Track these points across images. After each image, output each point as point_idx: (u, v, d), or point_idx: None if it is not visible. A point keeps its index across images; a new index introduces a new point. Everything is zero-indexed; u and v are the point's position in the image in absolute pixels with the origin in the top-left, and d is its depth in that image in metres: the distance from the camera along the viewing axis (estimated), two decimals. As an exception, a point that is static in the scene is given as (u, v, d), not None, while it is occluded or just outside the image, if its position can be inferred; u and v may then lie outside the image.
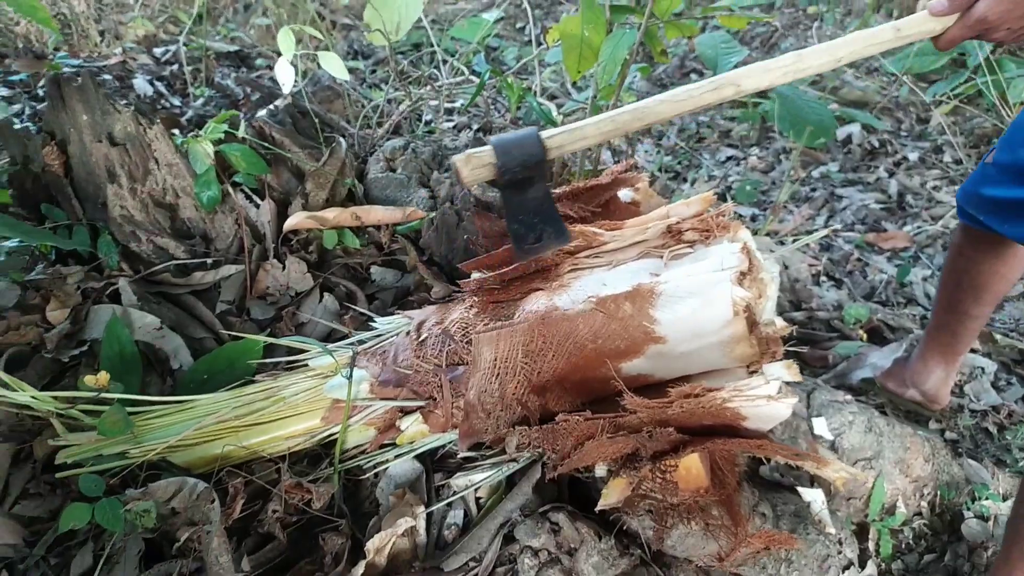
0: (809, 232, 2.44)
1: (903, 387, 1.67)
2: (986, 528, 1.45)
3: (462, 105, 2.47)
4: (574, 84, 2.84)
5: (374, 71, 3.44)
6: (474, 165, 0.96)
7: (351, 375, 1.10)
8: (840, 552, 1.29)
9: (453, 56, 3.54)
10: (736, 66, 1.74)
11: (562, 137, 0.98)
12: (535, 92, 2.12)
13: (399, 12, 1.76)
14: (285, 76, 1.54)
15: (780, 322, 1.22)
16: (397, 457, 1.17)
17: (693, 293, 1.07)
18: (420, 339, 1.19)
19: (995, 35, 0.95)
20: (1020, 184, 1.15)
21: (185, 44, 2.88)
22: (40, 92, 2.52)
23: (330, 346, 1.22)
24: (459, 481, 1.16)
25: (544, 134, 0.97)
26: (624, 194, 1.37)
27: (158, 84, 2.65)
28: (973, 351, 1.95)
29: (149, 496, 1.04)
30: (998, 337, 1.97)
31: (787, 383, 1.08)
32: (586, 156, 1.89)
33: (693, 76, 3.67)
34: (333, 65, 1.51)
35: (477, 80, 2.18)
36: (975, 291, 1.40)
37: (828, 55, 1.01)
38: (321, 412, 1.15)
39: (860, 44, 1.01)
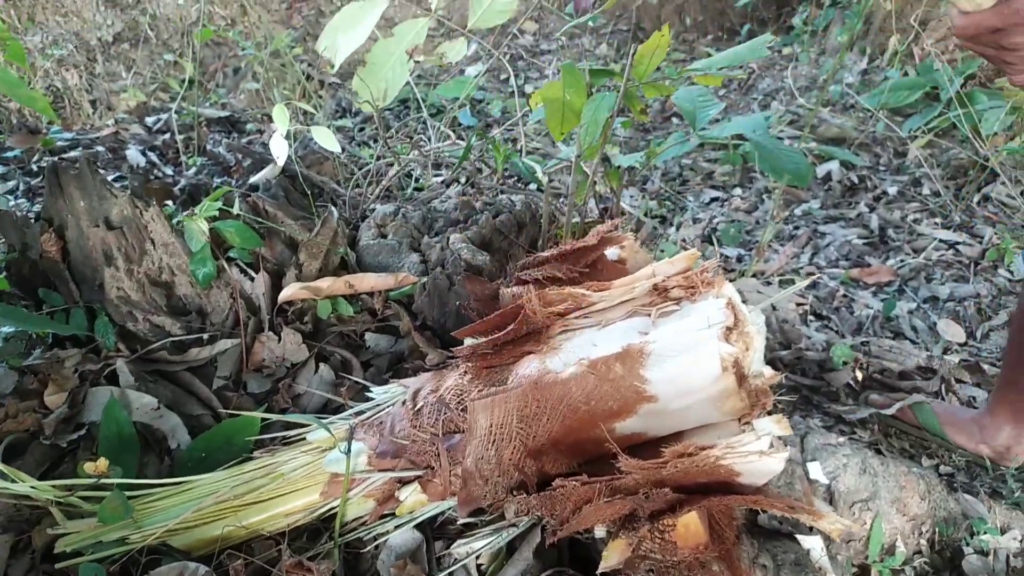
0: (795, 270, 2.48)
1: (972, 441, 1.66)
2: (986, 563, 1.46)
3: (450, 165, 2.52)
4: (554, 144, 2.91)
5: (362, 129, 3.51)
6: None
7: (349, 450, 1.11)
8: (843, 599, 1.30)
9: (440, 112, 3.62)
10: (714, 118, 1.80)
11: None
12: (521, 148, 2.18)
13: (386, 80, 1.81)
14: (279, 150, 1.58)
15: (768, 371, 1.24)
16: (397, 528, 1.18)
17: (682, 351, 1.09)
18: (416, 408, 1.21)
19: (1012, 53, 0.90)
20: None
21: (176, 112, 2.94)
22: (34, 167, 2.57)
23: (328, 419, 1.23)
24: (460, 549, 1.17)
25: None
26: (611, 252, 1.40)
27: (151, 154, 2.70)
28: (961, 382, 1.97)
29: (150, 583, 1.04)
30: (985, 367, 2.00)
31: (786, 436, 1.11)
32: (574, 209, 1.93)
33: (675, 120, 3.75)
34: (325, 138, 1.55)
35: (463, 139, 2.23)
36: None
37: None
38: (320, 487, 1.16)
39: None
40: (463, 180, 2.64)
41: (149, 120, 3.20)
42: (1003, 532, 1.52)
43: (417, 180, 2.49)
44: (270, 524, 1.18)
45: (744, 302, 1.89)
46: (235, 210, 1.47)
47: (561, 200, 2.67)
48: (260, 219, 1.54)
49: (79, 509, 1.14)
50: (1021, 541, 1.53)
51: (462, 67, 4.18)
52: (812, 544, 1.30)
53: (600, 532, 1.13)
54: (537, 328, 1.22)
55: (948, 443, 1.72)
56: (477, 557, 1.17)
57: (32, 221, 1.37)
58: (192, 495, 1.18)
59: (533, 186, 2.59)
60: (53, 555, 1.11)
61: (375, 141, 3.27)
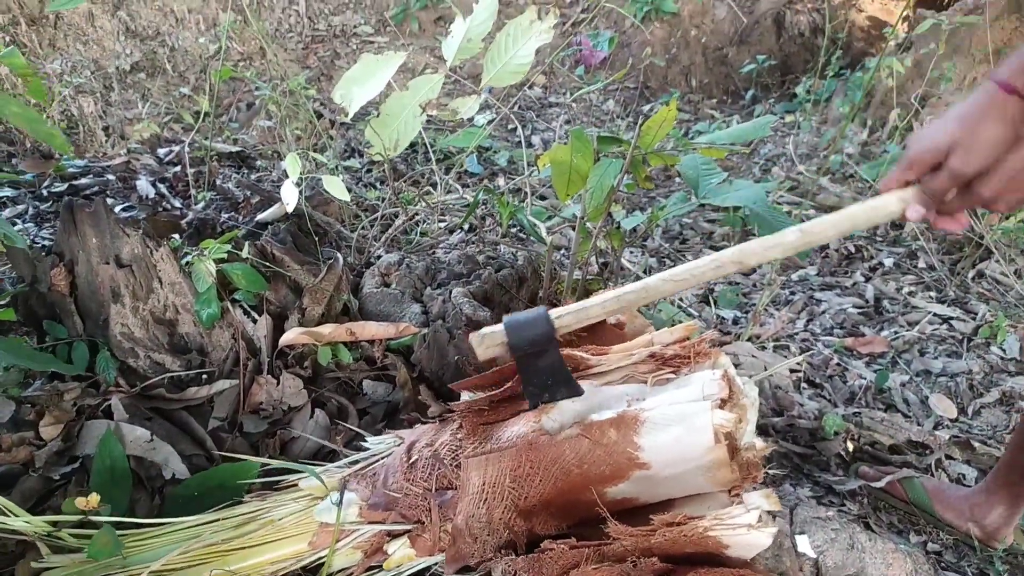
0: (791, 336, 2.50)
1: (962, 519, 1.66)
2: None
3: (455, 212, 2.56)
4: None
5: (369, 171, 3.57)
6: (488, 344, 1.05)
7: (341, 501, 1.12)
8: (828, 677, 1.29)
9: (448, 157, 3.68)
10: (716, 185, 1.85)
11: (569, 317, 1.07)
12: (527, 203, 2.22)
13: (398, 131, 1.86)
14: (290, 197, 1.62)
15: (760, 443, 1.26)
16: (384, 582, 1.18)
17: (676, 421, 1.11)
18: (410, 461, 1.22)
19: (992, 207, 0.93)
20: None
21: (189, 145, 3.00)
22: (45, 192, 2.60)
23: (322, 467, 1.24)
24: (446, 606, 1.17)
25: (553, 313, 1.06)
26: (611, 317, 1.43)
27: (160, 186, 2.74)
28: (951, 458, 1.98)
29: (135, 627, 1.03)
30: (976, 444, 2.01)
31: (774, 511, 1.12)
32: (576, 266, 1.96)
33: (677, 179, 3.82)
34: (335, 187, 1.59)
35: (469, 186, 2.28)
36: None
37: (833, 230, 1.02)
38: (309, 536, 1.16)
39: (863, 219, 1.02)
40: (466, 228, 2.68)
41: (161, 151, 3.25)
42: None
43: (420, 224, 2.53)
44: (256, 571, 1.17)
45: (738, 366, 1.92)
46: (244, 253, 1.50)
47: (562, 253, 2.71)
48: (267, 263, 1.57)
49: (66, 543, 1.14)
50: (1007, 625, 1.53)
51: (471, 116, 4.27)
52: (798, 620, 1.30)
53: (587, 597, 1.13)
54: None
55: (937, 520, 1.72)
56: (462, 616, 1.17)
57: (43, 254, 1.40)
58: (181, 536, 1.18)
59: (535, 239, 2.63)
60: (36, 589, 1.10)
61: (382, 183, 3.32)
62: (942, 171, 0.93)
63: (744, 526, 1.02)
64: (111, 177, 2.77)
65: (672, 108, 1.43)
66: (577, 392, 1.11)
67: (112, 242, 1.35)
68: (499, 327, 1.05)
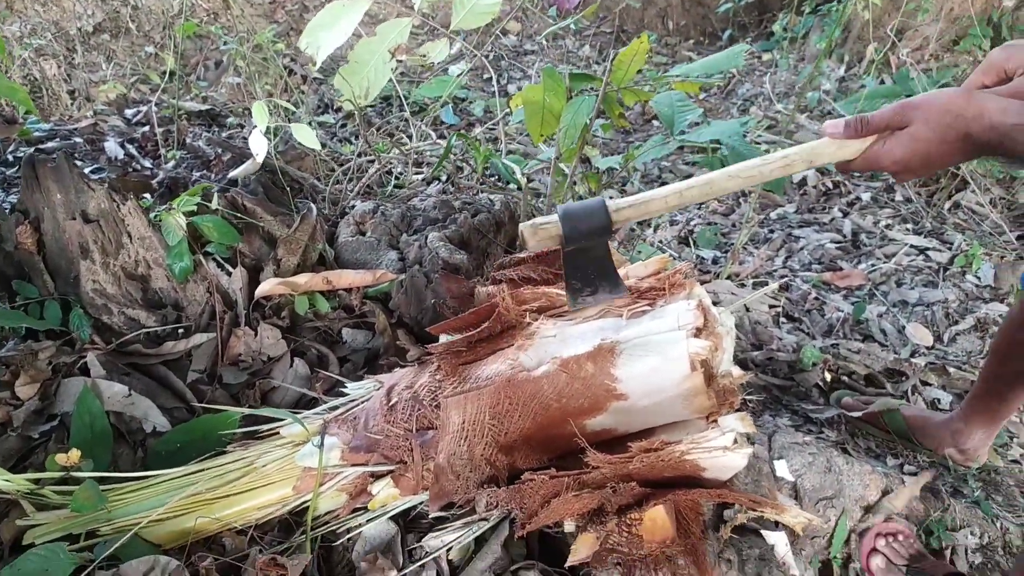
0: (769, 273, 2.52)
1: (941, 446, 1.70)
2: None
3: (432, 164, 2.53)
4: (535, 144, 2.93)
5: (344, 125, 3.51)
6: (541, 236, 1.01)
7: (322, 444, 1.12)
8: (805, 594, 1.33)
9: (423, 110, 3.63)
10: (691, 123, 1.83)
11: (630, 210, 1.02)
12: (502, 148, 2.20)
13: (368, 79, 1.82)
14: (259, 147, 1.59)
15: (737, 371, 1.27)
16: (369, 521, 1.19)
17: (652, 351, 1.12)
18: (390, 404, 1.23)
19: (897, 176, 0.99)
20: None
21: (156, 105, 2.93)
22: (10, 157, 2.54)
23: (302, 414, 1.24)
24: (431, 542, 1.18)
25: (611, 205, 1.01)
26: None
27: (129, 147, 2.68)
28: (927, 384, 2.02)
29: (121, 577, 1.04)
30: (951, 370, 2.04)
31: (749, 433, 1.14)
32: (552, 207, 1.95)
33: (655, 122, 3.79)
34: (305, 136, 1.56)
35: (445, 138, 2.25)
36: None
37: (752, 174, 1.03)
38: (293, 481, 1.17)
39: (780, 166, 1.03)
40: (444, 179, 2.65)
41: (128, 112, 3.17)
42: (959, 529, 1.56)
43: (398, 178, 2.50)
44: (242, 518, 1.19)
45: (717, 304, 1.93)
46: (213, 205, 1.47)
47: (540, 200, 2.69)
48: (238, 214, 1.55)
49: (49, 501, 1.14)
50: (980, 537, 1.58)
51: (445, 66, 4.19)
52: (776, 539, 1.34)
53: (569, 526, 1.15)
54: (511, 326, 1.24)
55: (914, 445, 1.76)
56: (448, 550, 1.19)
57: (7, 213, 1.37)
58: (165, 488, 1.19)
59: (513, 186, 2.61)
60: (21, 547, 1.10)
61: (357, 138, 3.27)
62: None
63: (719, 448, 1.04)
64: (78, 140, 2.71)
65: (644, 41, 1.41)
66: (621, 290, 1.07)
67: (77, 197, 1.33)
68: (553, 217, 1.00)
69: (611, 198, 1.04)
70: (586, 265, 1.04)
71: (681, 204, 1.04)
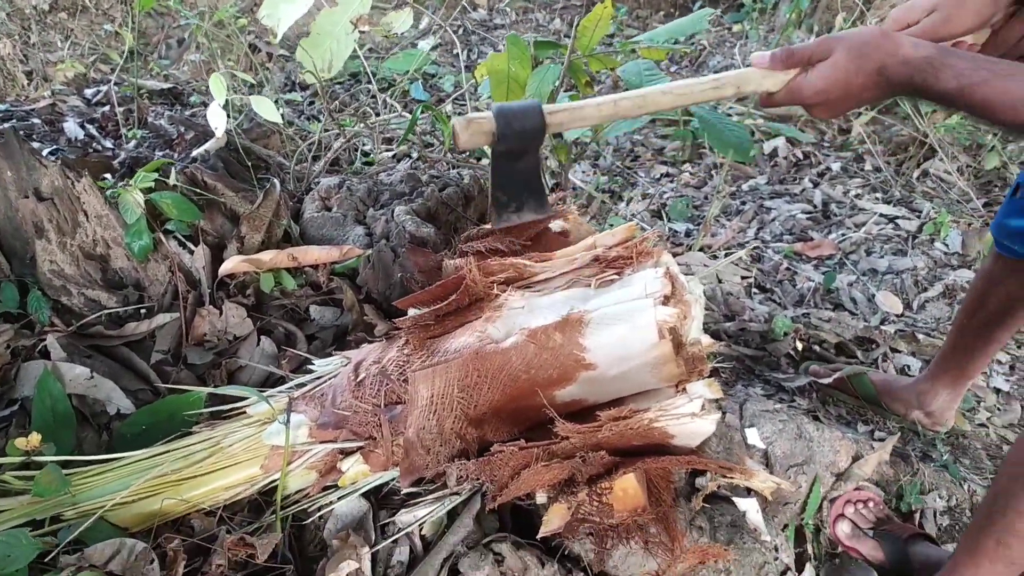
0: (741, 245, 2.53)
1: (908, 408, 1.72)
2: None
3: (400, 138, 2.49)
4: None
5: (312, 103, 3.44)
6: (473, 130, 0.98)
7: (288, 421, 1.11)
8: (777, 558, 1.34)
9: (393, 85, 3.57)
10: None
11: (564, 115, 1.00)
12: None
13: (330, 51, 1.78)
14: (217, 120, 1.55)
15: (707, 340, 1.27)
16: (340, 499, 1.18)
17: (620, 319, 1.11)
18: (358, 380, 1.21)
19: (814, 111, 1.02)
20: None
21: (116, 84, 2.85)
22: (-36, 140, 2.46)
23: (268, 392, 1.22)
24: (403, 517, 1.18)
25: (547, 108, 0.99)
26: (555, 225, 1.41)
27: (89, 127, 2.61)
28: (897, 351, 2.04)
29: (85, 560, 1.02)
30: (921, 337, 2.07)
31: (717, 399, 1.14)
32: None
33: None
34: (265, 109, 1.53)
35: (411, 113, 2.21)
36: (1001, 315, 1.45)
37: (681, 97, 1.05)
38: (260, 460, 1.16)
39: (703, 91, 1.05)
40: (414, 155, 2.62)
41: (88, 92, 3.08)
42: (927, 492, 1.59)
43: (367, 155, 2.46)
44: (210, 498, 1.17)
45: (690, 274, 1.93)
46: (172, 181, 1.44)
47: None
48: (199, 191, 1.51)
49: (12, 486, 1.12)
50: (947, 500, 1.60)
51: (414, 41, 4.12)
52: (748, 506, 1.35)
53: (541, 498, 1.15)
54: (479, 299, 1.23)
55: (883, 410, 1.78)
56: (421, 525, 1.19)
57: (-44, 192, 1.32)
58: (130, 470, 1.17)
59: (486, 161, 2.59)
60: (-17, 533, 1.08)
61: (324, 115, 3.21)
62: None
63: (688, 415, 1.04)
64: (36, 120, 2.63)
65: (608, 6, 1.39)
66: (544, 208, 1.06)
67: (29, 174, 1.28)
68: (487, 113, 0.98)
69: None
70: (515, 175, 1.03)
71: (615, 114, 1.04)
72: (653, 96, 1.02)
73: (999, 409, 1.90)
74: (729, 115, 3.21)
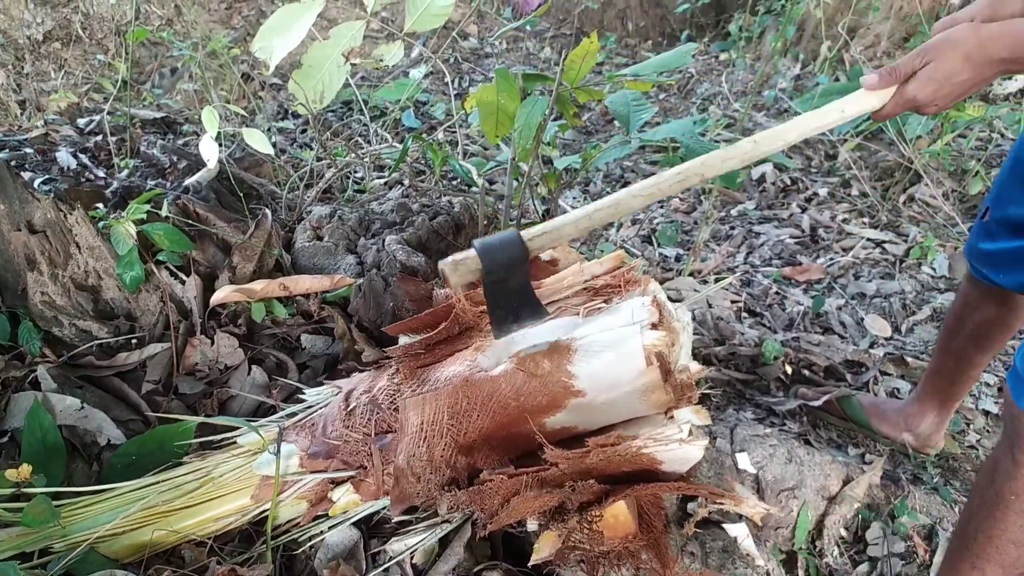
0: (731, 269, 2.55)
1: (897, 430, 1.73)
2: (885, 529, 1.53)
3: (391, 166, 2.52)
4: (496, 146, 2.93)
5: (304, 131, 3.47)
6: (461, 271, 1.01)
7: (279, 451, 1.11)
8: (768, 584, 1.34)
9: (384, 114, 3.61)
10: (647, 123, 1.85)
11: (543, 238, 1.03)
12: (460, 150, 2.20)
13: (322, 82, 1.80)
14: (209, 152, 1.57)
15: (695, 366, 1.29)
16: (331, 528, 1.18)
17: (608, 347, 1.12)
18: (348, 409, 1.22)
19: (925, 110, 1.07)
20: (1010, 237, 1.24)
21: (109, 113, 2.87)
22: (-43, 170, 2.47)
23: (258, 422, 1.23)
24: (395, 546, 1.18)
25: (525, 235, 1.02)
26: (545, 255, 1.43)
27: (82, 156, 2.62)
28: (886, 374, 2.06)
29: (75, 591, 1.02)
30: (909, 360, 2.09)
31: (704, 425, 1.15)
32: (510, 207, 1.95)
33: (616, 123, 3.81)
34: (257, 140, 1.54)
35: (402, 141, 2.24)
36: (978, 338, 1.47)
37: (779, 139, 1.08)
38: (251, 490, 1.16)
39: (809, 125, 1.09)
40: (406, 183, 2.64)
41: (81, 121, 3.10)
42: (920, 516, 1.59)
43: (358, 183, 2.48)
44: (201, 529, 1.17)
45: (680, 300, 1.95)
46: (164, 212, 1.45)
47: (502, 201, 2.69)
48: (191, 222, 1.52)
49: (0, 518, 1.11)
50: (939, 523, 1.61)
51: (405, 70, 4.17)
52: (738, 531, 1.35)
53: (532, 525, 1.15)
54: (468, 328, 1.24)
55: (873, 433, 1.79)
56: (412, 553, 1.19)
57: (-51, 225, 1.33)
58: (121, 501, 1.17)
59: (476, 188, 2.61)
60: (-28, 566, 1.07)
61: (317, 143, 3.24)
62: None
63: (675, 441, 1.05)
64: (29, 150, 2.65)
65: (594, 40, 1.42)
66: (542, 314, 1.08)
67: (22, 207, 1.29)
68: (471, 252, 1.01)
69: (528, 229, 1.05)
70: (507, 295, 1.05)
71: (592, 225, 1.06)
72: (624, 200, 1.06)
73: (988, 431, 1.90)
74: (717, 141, 3.26)
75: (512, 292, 1.05)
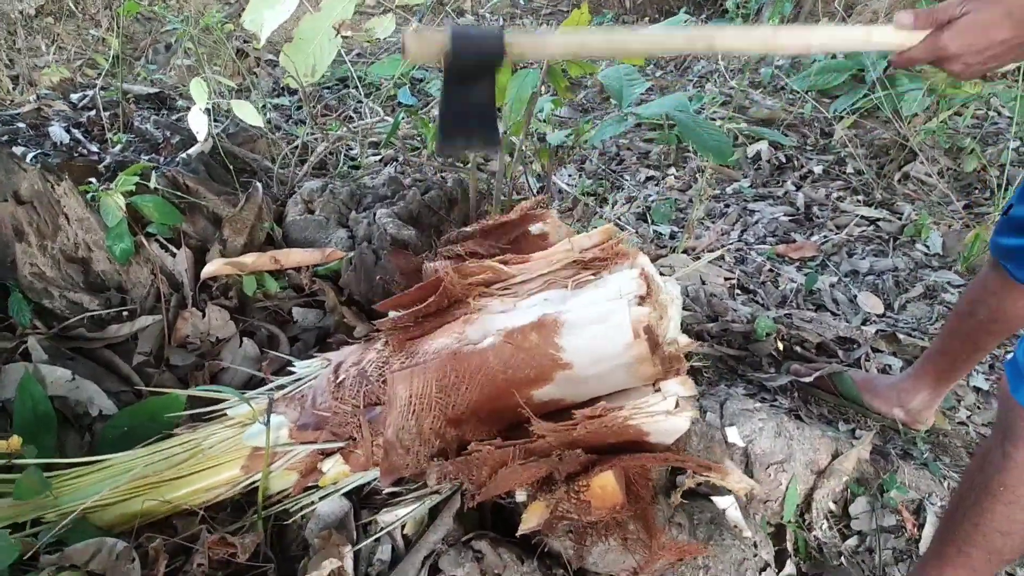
0: (724, 246, 2.55)
1: (888, 405, 1.74)
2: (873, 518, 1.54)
3: (383, 141, 2.51)
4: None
5: (299, 107, 3.45)
6: (425, 43, 0.92)
7: (268, 422, 1.12)
8: (756, 555, 1.36)
9: (378, 89, 3.58)
10: (641, 99, 1.84)
11: (525, 43, 0.95)
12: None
13: (313, 56, 1.79)
14: (199, 125, 1.56)
15: (684, 339, 1.29)
16: (322, 498, 1.19)
17: (595, 320, 1.13)
18: (338, 381, 1.22)
19: (952, 66, 1.00)
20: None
21: (103, 88, 2.85)
22: (-53, 144, 2.46)
23: (248, 393, 1.23)
24: (385, 517, 1.19)
25: (508, 35, 0.94)
26: (535, 228, 1.43)
27: (75, 131, 2.61)
28: (878, 351, 2.07)
29: (66, 560, 1.03)
30: (901, 337, 2.09)
31: (692, 397, 1.15)
32: (504, 186, 1.95)
33: (613, 100, 3.79)
34: (247, 113, 1.54)
35: (395, 117, 2.23)
36: (990, 324, 1.47)
37: (801, 39, 1.01)
38: (241, 461, 1.16)
39: (831, 37, 1.03)
40: (400, 159, 2.63)
41: (74, 97, 3.08)
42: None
43: (353, 159, 2.47)
44: (192, 499, 1.17)
45: (667, 274, 1.95)
46: (152, 185, 1.44)
47: (495, 177, 2.68)
48: (180, 194, 1.52)
49: (-9, 490, 1.12)
50: (928, 497, 1.62)
51: (399, 46, 4.13)
52: (726, 504, 1.36)
53: (521, 496, 1.17)
54: (457, 301, 1.24)
55: (864, 408, 1.80)
56: (402, 524, 1.20)
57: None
58: (112, 472, 1.17)
59: (469, 164, 2.60)
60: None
61: (314, 120, 3.22)
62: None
63: (662, 412, 1.05)
64: (21, 125, 2.64)
65: (584, 11, 1.41)
66: (494, 143, 1.01)
67: (8, 178, 1.29)
68: (443, 29, 0.92)
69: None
70: (467, 102, 0.97)
71: (581, 50, 1.00)
72: (621, 37, 0.96)
73: (979, 408, 1.92)
74: (713, 119, 3.24)
75: (472, 100, 0.97)
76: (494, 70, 0.96)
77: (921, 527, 1.55)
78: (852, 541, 1.51)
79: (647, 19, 5.18)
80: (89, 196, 1.39)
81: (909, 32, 1.01)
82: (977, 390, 1.97)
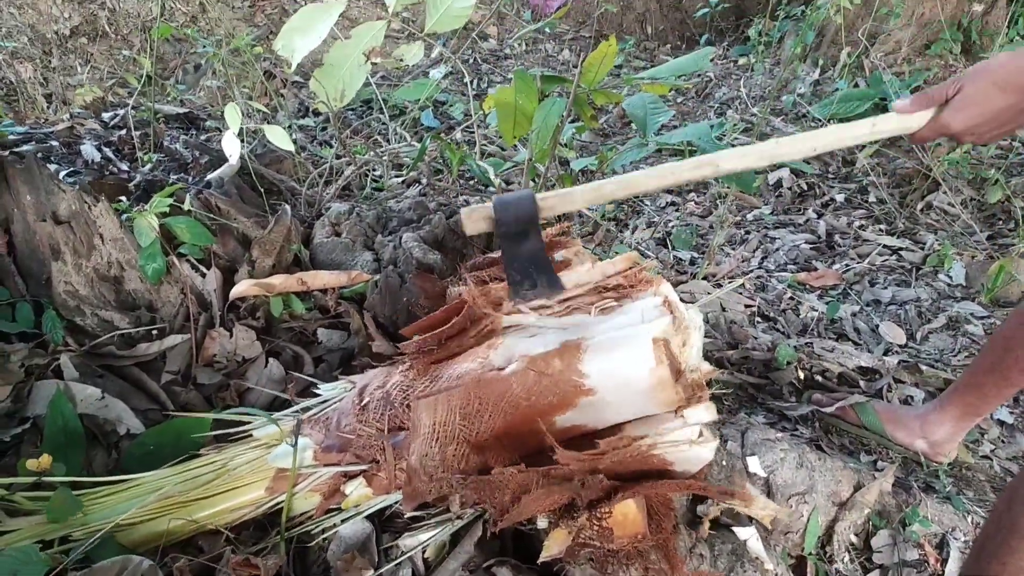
0: (745, 274, 2.55)
1: (912, 437, 1.72)
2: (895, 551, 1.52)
3: (409, 164, 2.54)
4: (513, 147, 2.94)
5: (324, 128, 3.50)
6: (475, 217, 1.09)
7: (296, 444, 1.13)
8: (776, 588, 1.35)
9: (403, 113, 3.63)
10: (664, 126, 1.85)
11: (554, 200, 1.10)
12: (478, 151, 2.21)
13: (343, 81, 1.83)
14: (232, 148, 1.59)
15: (706, 366, 1.29)
16: (344, 521, 1.20)
17: (618, 346, 1.13)
18: (362, 404, 1.23)
19: (965, 139, 1.06)
20: None
21: (134, 108, 2.91)
22: (-16, 161, 2.52)
23: (274, 415, 1.25)
24: (407, 541, 1.19)
25: (539, 196, 1.09)
26: (558, 255, 1.44)
27: (106, 150, 2.66)
28: (900, 381, 2.05)
29: (92, 576, 1.04)
30: (924, 368, 2.08)
31: (713, 423, 1.15)
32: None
33: (633, 126, 3.82)
34: (278, 137, 1.57)
35: (420, 140, 2.26)
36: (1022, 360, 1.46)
37: (804, 144, 1.09)
38: (266, 482, 1.17)
39: (835, 137, 1.09)
40: (424, 182, 2.66)
41: (106, 116, 3.15)
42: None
43: (377, 181, 2.51)
44: (217, 519, 1.19)
45: (690, 301, 1.95)
46: (186, 207, 1.47)
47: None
48: (212, 215, 1.55)
49: (21, 507, 1.14)
50: (951, 532, 1.60)
51: (425, 70, 4.20)
52: (747, 534, 1.35)
53: (542, 523, 1.17)
54: (480, 325, 1.25)
55: (887, 440, 1.78)
56: (423, 549, 1.20)
57: (-22, 215, 1.36)
58: (139, 491, 1.19)
59: (493, 188, 2.63)
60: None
61: (337, 140, 3.27)
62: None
63: (685, 442, 1.05)
64: (55, 143, 2.69)
65: (612, 43, 1.43)
66: (557, 285, 1.14)
67: (48, 199, 1.32)
68: (487, 204, 1.09)
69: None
70: (523, 257, 1.11)
71: (599, 198, 1.13)
72: (634, 179, 1.13)
73: (1003, 441, 1.89)
74: (734, 145, 3.25)
75: (527, 256, 1.11)
76: (537, 225, 1.10)
77: (944, 562, 1.53)
78: (874, 575, 1.49)
79: (668, 44, 5.23)
80: (124, 217, 1.42)
81: (910, 116, 1.07)
82: (1001, 423, 1.94)
